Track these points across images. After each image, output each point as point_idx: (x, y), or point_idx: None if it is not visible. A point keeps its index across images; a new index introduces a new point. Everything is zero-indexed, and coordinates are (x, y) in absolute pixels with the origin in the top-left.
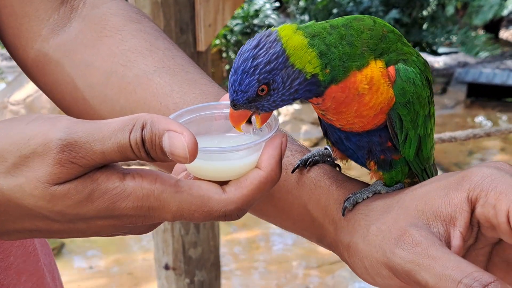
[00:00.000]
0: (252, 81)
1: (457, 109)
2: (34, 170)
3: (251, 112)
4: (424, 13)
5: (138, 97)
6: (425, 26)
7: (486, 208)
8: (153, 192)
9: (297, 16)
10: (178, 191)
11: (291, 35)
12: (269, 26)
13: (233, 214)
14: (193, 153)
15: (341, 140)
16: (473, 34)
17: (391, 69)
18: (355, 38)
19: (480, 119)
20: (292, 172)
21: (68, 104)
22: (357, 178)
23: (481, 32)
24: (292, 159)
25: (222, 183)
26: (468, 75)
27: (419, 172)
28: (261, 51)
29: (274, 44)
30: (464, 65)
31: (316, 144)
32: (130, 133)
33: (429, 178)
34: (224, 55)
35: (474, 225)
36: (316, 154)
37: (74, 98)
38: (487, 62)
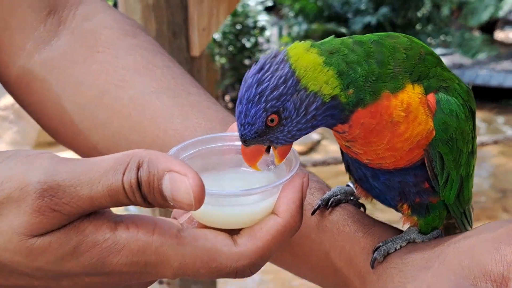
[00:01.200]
0: (259, 111)
1: None
2: (8, 219)
3: (265, 147)
4: (419, 14)
5: (133, 122)
6: (420, 27)
7: None
8: (150, 245)
9: (291, 17)
10: (180, 243)
11: (301, 54)
12: (262, 28)
13: (245, 270)
14: (200, 199)
15: (366, 178)
16: (467, 35)
17: (431, 97)
18: (387, 56)
19: (476, 121)
20: (312, 214)
21: (55, 127)
22: (386, 222)
23: (476, 33)
24: (311, 199)
25: (233, 232)
26: (464, 76)
27: (458, 215)
28: (266, 75)
29: (282, 66)
30: (460, 66)
31: (310, 150)
32: (124, 174)
33: (468, 221)
34: (217, 58)
35: None
36: (338, 193)
37: (61, 121)
38: (483, 64)
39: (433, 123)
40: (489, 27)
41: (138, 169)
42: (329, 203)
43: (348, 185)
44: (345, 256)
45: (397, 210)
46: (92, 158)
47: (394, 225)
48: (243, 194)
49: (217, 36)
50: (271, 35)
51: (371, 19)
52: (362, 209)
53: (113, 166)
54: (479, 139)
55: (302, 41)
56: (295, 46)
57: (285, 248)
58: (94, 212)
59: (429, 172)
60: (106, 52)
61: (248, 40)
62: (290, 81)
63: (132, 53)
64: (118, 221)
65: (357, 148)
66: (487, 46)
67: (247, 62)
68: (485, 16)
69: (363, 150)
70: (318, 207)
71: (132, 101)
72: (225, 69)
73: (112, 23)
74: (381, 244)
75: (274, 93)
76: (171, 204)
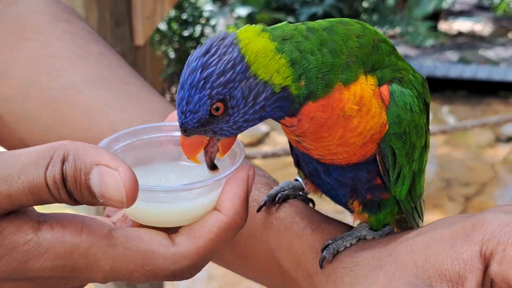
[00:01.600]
0: (203, 97)
1: None
2: None
3: (208, 139)
4: (365, 4)
5: (64, 114)
6: (366, 16)
7: (504, 266)
8: (78, 247)
9: (236, 7)
10: (111, 244)
11: (252, 38)
12: (208, 18)
13: (184, 272)
14: (132, 196)
15: (317, 173)
16: (413, 23)
17: (385, 89)
18: (339, 45)
19: None
20: (258, 211)
21: None
22: (336, 218)
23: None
24: (257, 195)
25: (171, 231)
26: None
27: (410, 211)
28: (212, 59)
29: (230, 49)
30: (405, 57)
31: (259, 142)
32: (47, 169)
33: (419, 216)
34: (163, 48)
35: (487, 285)
36: (286, 188)
37: None
38: (428, 54)
39: (386, 116)
40: (433, 18)
41: (63, 163)
42: (276, 199)
43: (296, 180)
44: (292, 256)
45: (347, 208)
46: (11, 151)
47: (344, 217)
48: (181, 189)
49: (162, 26)
50: (217, 24)
51: (317, 9)
52: (311, 204)
53: (34, 159)
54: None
55: (253, 25)
56: (245, 29)
57: (229, 247)
58: (15, 211)
59: (380, 168)
60: (35, 39)
61: (194, 29)
62: (239, 67)
63: (64, 40)
64: (42, 220)
65: (307, 143)
66: (432, 33)
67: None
68: (429, 7)
69: (314, 145)
70: (264, 204)
71: (64, 92)
72: (171, 60)
73: (42, 8)
74: (330, 242)
75: (221, 79)
76: (101, 201)
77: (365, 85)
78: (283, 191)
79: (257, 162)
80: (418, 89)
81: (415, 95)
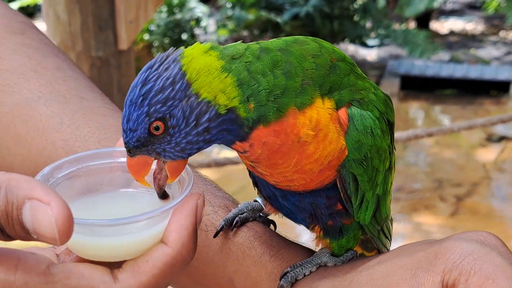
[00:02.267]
0: (141, 115)
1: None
2: None
3: (152, 159)
4: (355, 5)
5: (17, 132)
6: (358, 19)
7: None
8: (12, 285)
9: (227, 9)
10: (49, 281)
11: (197, 55)
12: (197, 20)
13: None
14: (65, 232)
15: (275, 197)
16: (410, 31)
17: (343, 113)
18: (295, 67)
19: (413, 111)
20: (215, 236)
21: None
22: (297, 242)
23: (412, 23)
24: (214, 218)
25: (116, 264)
26: (401, 67)
27: (375, 234)
28: (153, 74)
29: (172, 66)
30: (397, 57)
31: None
32: None
33: (386, 237)
34: (154, 51)
35: None
36: (245, 210)
37: None
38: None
39: (345, 141)
40: (424, 18)
41: None
42: (234, 223)
43: (256, 201)
44: (251, 283)
45: (309, 229)
46: None
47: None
48: (122, 223)
49: (153, 28)
50: (208, 25)
51: (300, 9)
52: (272, 227)
53: None
54: (415, 131)
55: (204, 43)
56: (193, 46)
57: (186, 273)
58: None
59: (341, 194)
60: None
61: (185, 31)
62: (179, 84)
63: (19, 53)
64: None
65: (262, 169)
66: (430, 43)
67: None
68: (421, 6)
69: (269, 171)
70: (221, 228)
71: (17, 109)
72: None
73: None
74: (289, 269)
75: (159, 95)
76: (35, 237)
77: (321, 109)
78: (241, 213)
79: (230, 168)
80: (380, 108)
81: (377, 116)
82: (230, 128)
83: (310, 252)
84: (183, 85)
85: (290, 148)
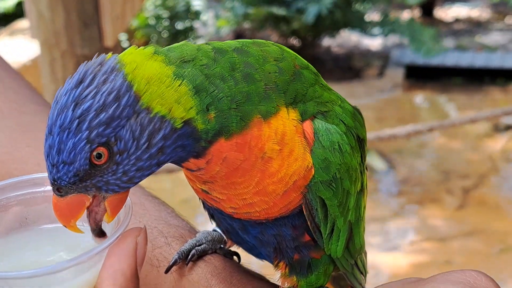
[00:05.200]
0: (79, 142)
1: (396, 92)
2: None
3: (90, 198)
4: None
5: None
6: (360, 7)
7: None
8: None
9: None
10: None
11: (141, 61)
12: (197, 12)
13: None
14: None
15: (234, 231)
16: (416, 27)
17: (308, 126)
18: (255, 69)
19: (418, 101)
20: (166, 271)
21: None
22: (263, 275)
23: (416, 11)
24: (166, 251)
25: None
26: (405, 57)
27: (349, 269)
28: (88, 90)
29: (112, 77)
30: (400, 45)
31: None
32: None
33: (361, 272)
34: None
35: None
36: (203, 241)
37: None
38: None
39: (312, 159)
40: (428, 5)
41: None
42: (189, 257)
43: (215, 230)
44: None
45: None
46: None
47: None
48: (44, 272)
49: (152, 21)
50: (208, 19)
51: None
52: (236, 258)
53: None
54: (421, 125)
55: (142, 47)
56: (130, 51)
57: None
58: None
59: (308, 223)
60: None
61: (183, 23)
62: (126, 98)
63: None
64: None
65: (217, 192)
66: (437, 43)
67: None
68: None
69: (225, 194)
70: (175, 263)
71: None
72: None
73: None
74: None
75: (101, 115)
76: None
77: (287, 119)
78: (198, 245)
79: None
80: (347, 122)
81: (343, 131)
82: (185, 144)
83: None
84: (131, 98)
85: (253, 165)
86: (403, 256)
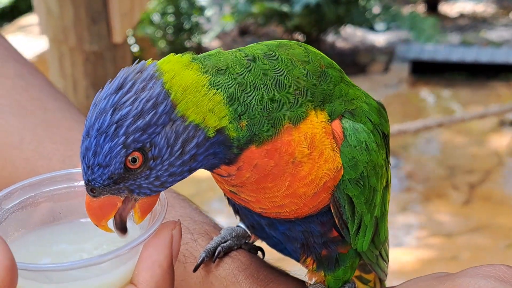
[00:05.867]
0: (115, 147)
1: (401, 87)
2: None
3: (122, 199)
4: None
5: None
6: (365, 2)
7: None
8: None
9: None
10: None
11: (179, 69)
12: (201, 8)
13: None
14: (8, 283)
15: (260, 226)
16: (418, 18)
17: (337, 126)
18: (285, 75)
19: (423, 96)
20: (195, 270)
21: None
22: (288, 272)
23: (420, 6)
24: (193, 247)
25: None
26: (410, 52)
27: (374, 260)
28: (127, 96)
29: (151, 84)
30: (406, 41)
31: None
32: None
33: (384, 261)
34: (159, 42)
35: None
36: (228, 237)
37: None
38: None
39: (340, 159)
40: (433, 0)
41: None
42: (216, 254)
43: (239, 226)
44: None
45: (300, 261)
46: None
47: None
48: (84, 265)
49: (156, 18)
50: (213, 14)
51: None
52: (260, 254)
53: None
54: (425, 121)
55: (180, 54)
56: (169, 59)
57: None
58: None
59: (336, 220)
60: None
61: (189, 20)
62: (163, 106)
63: None
64: None
65: (246, 194)
66: (437, 31)
67: (188, 45)
68: None
69: (255, 197)
70: (202, 261)
71: None
72: (165, 54)
73: None
74: None
75: (139, 122)
76: None
77: (316, 122)
78: (224, 242)
79: None
80: (374, 120)
81: (371, 129)
82: (218, 151)
83: (302, 283)
84: (167, 107)
85: (283, 170)
86: (409, 251)
